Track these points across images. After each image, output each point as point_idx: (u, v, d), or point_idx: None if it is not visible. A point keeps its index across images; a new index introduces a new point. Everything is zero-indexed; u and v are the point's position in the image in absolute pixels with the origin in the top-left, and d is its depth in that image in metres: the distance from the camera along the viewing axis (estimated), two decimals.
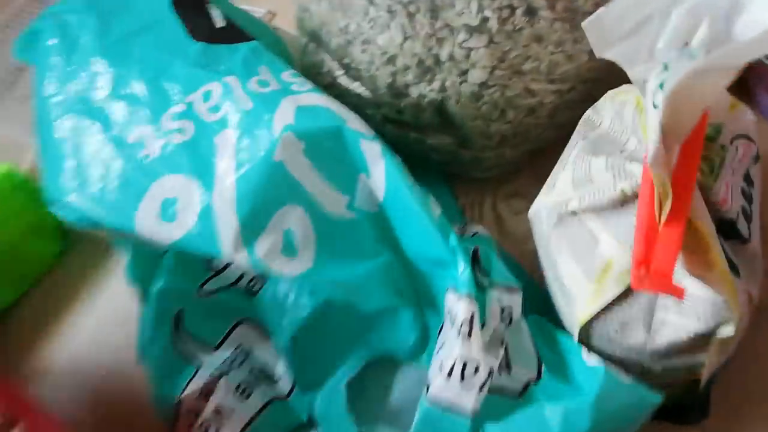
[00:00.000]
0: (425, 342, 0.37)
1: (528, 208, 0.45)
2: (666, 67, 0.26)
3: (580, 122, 0.38)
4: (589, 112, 0.38)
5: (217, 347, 0.39)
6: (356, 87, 0.43)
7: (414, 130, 0.43)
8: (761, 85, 0.46)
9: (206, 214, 0.33)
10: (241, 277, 0.40)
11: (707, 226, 0.28)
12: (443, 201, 0.38)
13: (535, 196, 0.36)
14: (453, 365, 0.30)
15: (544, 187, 0.36)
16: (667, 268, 0.25)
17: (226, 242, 0.33)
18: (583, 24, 0.29)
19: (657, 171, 0.25)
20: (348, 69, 0.43)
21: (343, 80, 0.43)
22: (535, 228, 0.35)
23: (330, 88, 0.43)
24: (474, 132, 0.42)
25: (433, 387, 0.31)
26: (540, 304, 0.36)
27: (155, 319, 0.39)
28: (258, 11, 0.56)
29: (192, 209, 0.34)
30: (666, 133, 0.26)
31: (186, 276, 0.40)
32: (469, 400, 0.30)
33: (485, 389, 0.30)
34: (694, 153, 0.28)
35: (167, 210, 0.34)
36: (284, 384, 0.38)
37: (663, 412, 0.36)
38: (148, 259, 0.42)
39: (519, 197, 0.47)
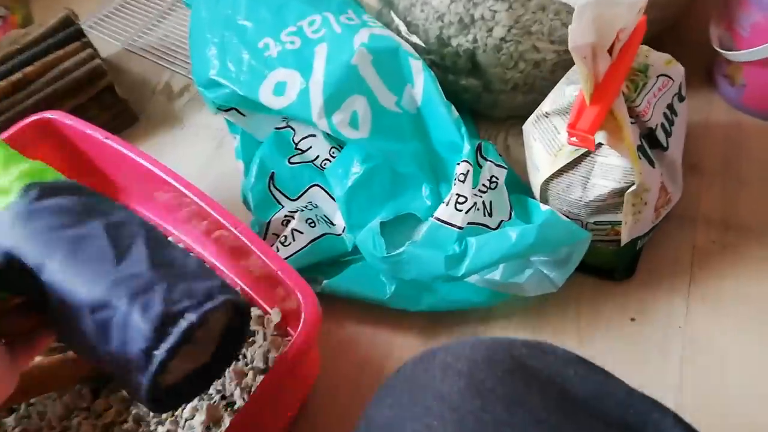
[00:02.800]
0: (437, 207, 0.52)
1: None
2: None
3: (569, 71, 0.53)
4: (575, 66, 0.53)
5: (296, 199, 0.57)
6: (414, 38, 0.60)
7: (452, 73, 0.60)
8: (719, 73, 0.60)
9: (303, 93, 0.51)
10: (317, 157, 0.57)
11: (623, 116, 0.42)
12: (469, 129, 0.53)
13: None
14: (450, 198, 0.46)
15: (534, 112, 0.52)
16: (588, 129, 0.40)
17: (314, 112, 0.50)
18: None
19: (577, 61, 0.40)
20: (409, 25, 0.60)
21: (405, 33, 0.61)
22: (525, 134, 0.51)
23: None
24: (495, 77, 0.58)
25: (437, 212, 0.47)
26: (524, 193, 0.51)
27: (257, 174, 0.57)
28: None
29: (295, 89, 0.51)
30: (594, 45, 0.40)
31: (281, 150, 0.58)
32: (458, 218, 0.45)
33: (469, 214, 0.45)
34: (621, 67, 0.42)
35: (279, 88, 0.52)
36: (339, 227, 0.55)
37: (599, 271, 0.50)
38: (251, 144, 0.60)
39: None
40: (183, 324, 0.30)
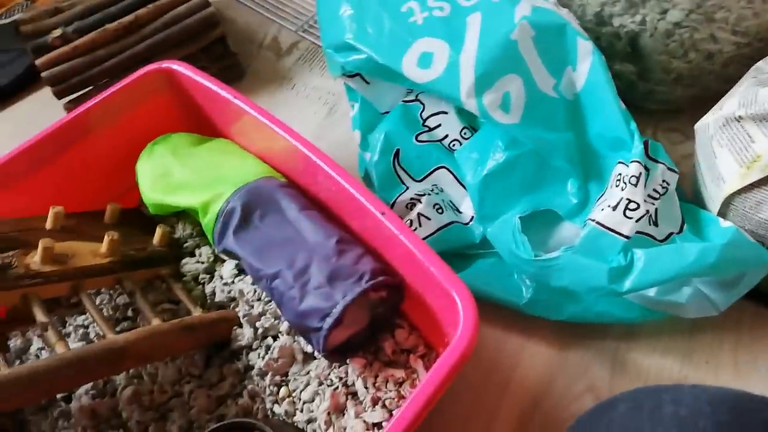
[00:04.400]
0: (584, 207, 0.47)
1: (683, 142, 0.54)
2: None
3: (751, 69, 0.47)
4: (760, 63, 0.46)
5: (420, 181, 0.52)
6: (564, 13, 0.54)
7: (605, 56, 0.53)
8: None
9: (452, 67, 0.46)
10: (446, 136, 0.53)
11: None
12: None
13: (692, 135, 0.46)
14: (619, 202, 0.41)
15: (711, 110, 0.46)
16: None
17: (463, 90, 0.45)
18: None
19: None
20: None
21: (553, 4, 0.54)
22: (699, 136, 0.45)
23: None
24: (657, 65, 0.52)
25: (599, 215, 0.42)
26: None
27: (381, 150, 0.52)
28: None
29: (442, 62, 0.46)
30: None
31: (407, 126, 0.53)
32: (626, 227, 0.40)
33: (640, 223, 0.40)
34: None
35: (424, 60, 0.47)
36: (466, 216, 0.51)
37: (763, 298, 0.45)
38: (370, 114, 0.56)
39: (677, 132, 0.56)
40: (342, 303, 0.37)
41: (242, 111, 0.49)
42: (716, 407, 0.25)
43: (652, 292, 0.43)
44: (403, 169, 0.52)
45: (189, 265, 0.49)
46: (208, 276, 0.48)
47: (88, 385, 0.44)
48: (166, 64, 0.54)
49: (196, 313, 0.44)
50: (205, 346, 0.44)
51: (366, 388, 0.41)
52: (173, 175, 0.48)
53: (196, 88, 0.53)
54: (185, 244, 0.50)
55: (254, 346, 0.44)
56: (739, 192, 0.40)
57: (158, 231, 0.49)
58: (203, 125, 0.54)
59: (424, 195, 0.50)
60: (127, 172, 0.53)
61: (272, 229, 0.42)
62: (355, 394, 0.41)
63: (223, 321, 0.44)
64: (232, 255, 0.44)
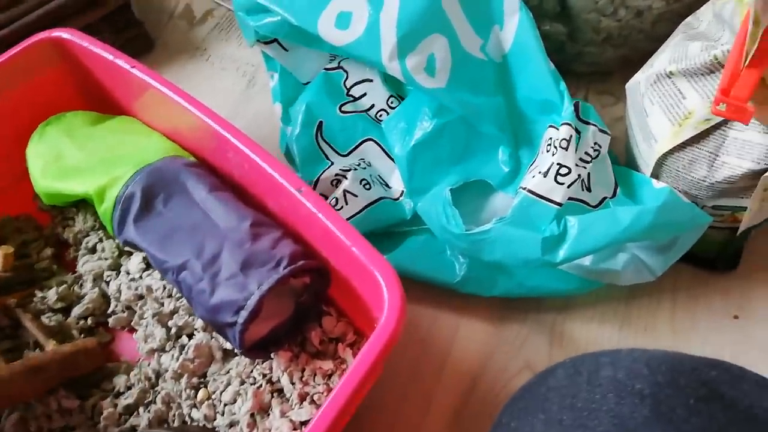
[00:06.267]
0: (516, 175, 0.45)
1: (615, 104, 0.53)
2: None
3: (681, 25, 0.45)
4: (689, 18, 0.45)
5: (346, 155, 0.49)
6: None
7: (534, 16, 0.51)
8: None
9: (372, 28, 0.42)
10: (372, 106, 0.49)
11: None
12: None
13: (623, 97, 0.44)
14: (549, 167, 0.39)
15: (642, 68, 0.44)
16: (742, 97, 0.33)
17: (385, 52, 0.42)
18: None
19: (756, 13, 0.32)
20: None
21: None
22: (630, 95, 0.43)
23: None
24: (586, 24, 0.49)
25: (530, 182, 0.39)
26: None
27: (303, 123, 0.48)
28: None
29: (361, 22, 0.43)
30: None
31: (330, 96, 0.49)
32: (558, 193, 0.38)
33: (572, 188, 0.38)
34: None
35: (342, 20, 0.43)
36: (395, 191, 0.48)
37: (698, 260, 0.44)
38: (291, 85, 0.52)
39: (608, 94, 0.54)
40: (257, 293, 0.34)
41: (143, 83, 0.44)
42: (653, 368, 0.24)
43: (587, 261, 0.41)
44: (327, 143, 0.49)
45: (90, 263, 0.44)
46: (114, 273, 0.43)
47: None
48: (56, 33, 0.48)
49: (49, 347, 0.38)
50: (61, 384, 0.39)
51: (292, 383, 0.38)
52: (66, 158, 0.43)
53: (91, 60, 0.47)
54: (86, 238, 0.45)
55: (167, 348, 0.40)
56: (671, 151, 0.39)
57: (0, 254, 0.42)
58: (103, 102, 0.49)
59: (350, 170, 0.46)
60: (16, 158, 0.47)
61: (178, 214, 0.38)
62: (280, 391, 0.38)
63: (80, 354, 0.38)
64: (135, 246, 0.39)
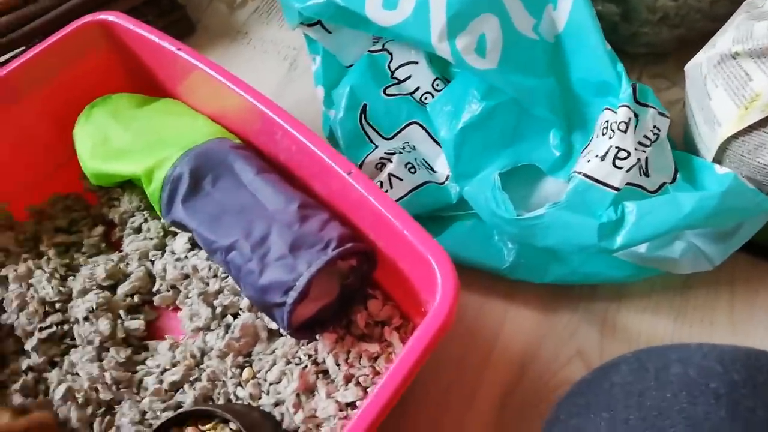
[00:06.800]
0: (567, 160, 0.43)
1: (669, 88, 0.51)
2: None
3: (744, 4, 0.43)
4: None
5: (390, 138, 0.48)
6: None
7: None
8: None
9: (422, 7, 0.41)
10: (417, 89, 0.48)
11: None
12: None
13: (678, 81, 0.42)
14: (607, 151, 0.37)
15: (703, 48, 0.42)
16: None
17: (434, 32, 0.41)
18: None
19: None
20: None
21: None
22: (691, 77, 0.41)
23: None
24: (641, 5, 0.47)
25: (586, 166, 0.38)
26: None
27: (347, 106, 0.48)
28: None
29: (410, 2, 0.41)
30: None
31: (375, 79, 0.48)
32: (616, 178, 0.37)
33: (630, 173, 0.37)
34: None
35: (390, 0, 0.42)
36: (441, 174, 0.47)
37: (758, 249, 0.42)
38: (334, 68, 0.51)
39: (662, 78, 0.52)
40: (307, 274, 0.33)
41: (189, 65, 0.44)
42: (728, 366, 0.23)
43: (643, 249, 0.40)
44: (372, 127, 0.48)
45: (135, 242, 0.44)
46: (159, 252, 0.44)
47: (17, 384, 0.39)
48: (101, 15, 0.48)
49: (4, 419, 0.36)
50: None
51: (338, 365, 0.37)
52: (113, 140, 0.43)
53: (137, 42, 0.47)
54: (131, 218, 0.45)
55: (212, 327, 0.40)
56: (736, 135, 0.37)
57: None
58: (148, 84, 0.49)
59: (394, 154, 0.46)
60: (65, 140, 0.48)
61: (226, 195, 0.38)
62: (326, 373, 0.38)
63: (34, 430, 0.36)
64: (182, 227, 0.39)
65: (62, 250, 0.45)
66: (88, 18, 0.48)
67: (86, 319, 0.40)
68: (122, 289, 0.43)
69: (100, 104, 0.47)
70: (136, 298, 0.43)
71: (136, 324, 0.41)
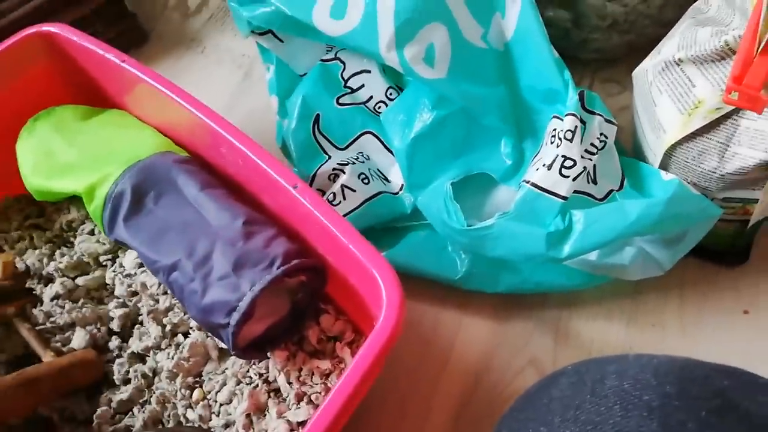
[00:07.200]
0: (519, 168, 0.43)
1: (620, 93, 0.51)
2: None
3: (689, 9, 0.43)
4: (698, 3, 0.43)
5: (344, 148, 0.48)
6: None
7: (537, 3, 0.49)
8: None
9: (369, 17, 0.41)
10: (370, 98, 0.48)
11: None
12: None
13: (629, 85, 0.42)
14: (554, 160, 0.37)
15: (650, 54, 0.42)
16: (755, 85, 0.31)
17: (382, 42, 0.41)
18: None
19: None
20: None
21: None
22: (637, 84, 0.42)
23: None
24: (591, 10, 0.48)
25: (534, 176, 0.38)
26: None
27: (299, 116, 0.47)
28: None
29: (357, 11, 0.41)
30: None
31: (327, 88, 0.48)
32: (563, 187, 0.37)
33: (577, 182, 0.37)
34: None
35: (337, 9, 0.42)
36: (395, 185, 0.46)
37: (707, 254, 0.42)
38: (287, 77, 0.50)
39: (613, 82, 0.53)
40: (250, 294, 0.33)
41: (134, 77, 0.43)
42: (662, 378, 0.23)
43: (593, 256, 0.40)
44: (325, 137, 0.47)
45: (87, 243, 0.43)
46: (110, 257, 0.43)
47: None
48: (45, 27, 0.46)
49: (47, 359, 0.37)
50: (56, 399, 0.37)
51: (289, 383, 0.37)
52: (57, 155, 0.42)
53: (81, 54, 0.46)
54: (81, 226, 0.44)
55: (162, 346, 0.39)
56: (680, 141, 0.37)
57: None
58: (94, 96, 0.48)
59: (347, 164, 0.45)
60: (7, 154, 0.46)
61: (169, 212, 0.37)
62: (277, 391, 0.37)
63: (78, 366, 0.37)
64: (126, 246, 0.38)
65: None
66: (31, 30, 0.46)
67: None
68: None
69: (43, 117, 0.46)
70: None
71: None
